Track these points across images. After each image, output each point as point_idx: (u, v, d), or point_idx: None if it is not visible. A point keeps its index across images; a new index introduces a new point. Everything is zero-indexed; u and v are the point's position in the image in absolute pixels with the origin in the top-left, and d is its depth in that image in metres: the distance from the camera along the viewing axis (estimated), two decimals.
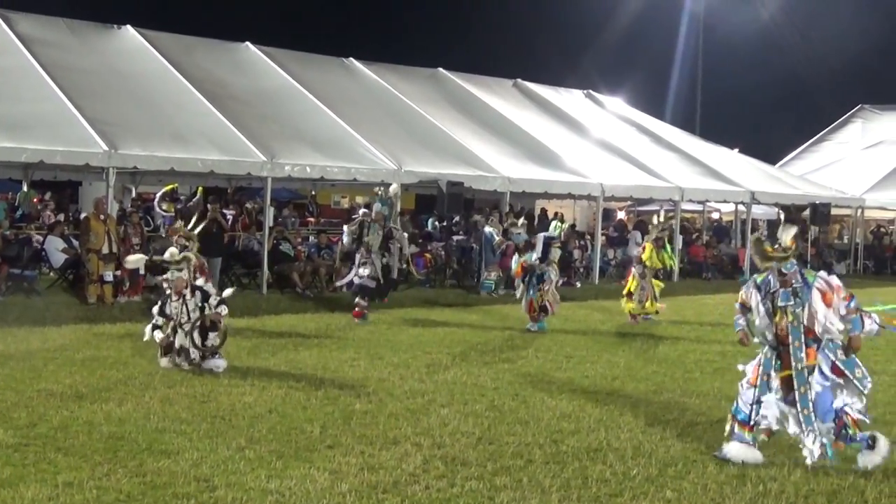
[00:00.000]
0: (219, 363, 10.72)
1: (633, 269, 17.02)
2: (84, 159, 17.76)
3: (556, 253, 15.48)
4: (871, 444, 7.47)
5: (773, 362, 7.65)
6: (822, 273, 7.77)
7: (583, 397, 9.92)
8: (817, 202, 28.65)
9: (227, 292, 11.52)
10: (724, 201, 30.43)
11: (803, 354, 7.50)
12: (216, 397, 9.31)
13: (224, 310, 11.04)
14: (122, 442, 7.58)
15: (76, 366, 10.72)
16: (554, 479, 7.03)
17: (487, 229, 21.16)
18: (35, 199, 26.12)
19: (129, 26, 24.43)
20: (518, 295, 15.65)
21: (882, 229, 36.31)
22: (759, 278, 7.83)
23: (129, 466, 6.95)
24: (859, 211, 33.10)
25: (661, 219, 17.96)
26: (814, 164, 37.14)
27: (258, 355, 11.84)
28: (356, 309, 15.59)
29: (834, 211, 30.91)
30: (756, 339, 7.86)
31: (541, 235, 15.66)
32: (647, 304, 16.68)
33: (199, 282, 11.33)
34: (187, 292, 10.93)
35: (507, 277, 19.89)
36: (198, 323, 10.83)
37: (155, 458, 7.16)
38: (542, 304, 15.22)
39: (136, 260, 13.04)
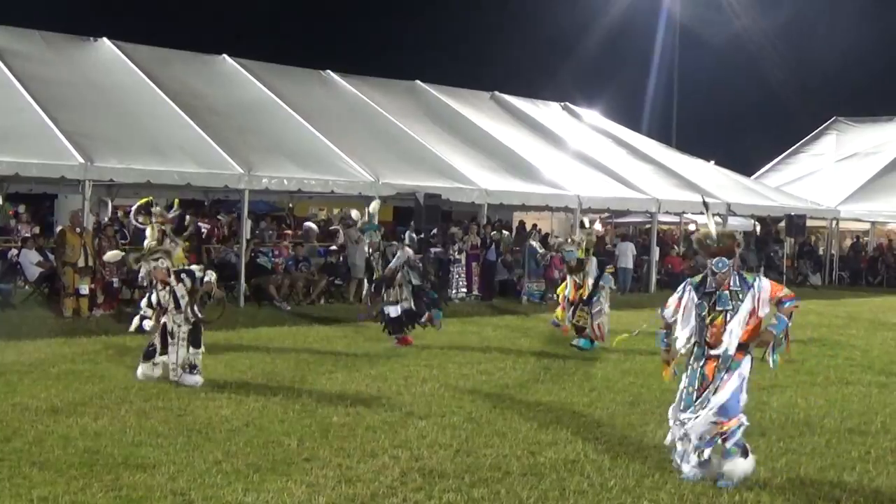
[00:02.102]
0: (197, 379, 10.66)
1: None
2: (60, 172, 17.66)
3: (608, 279, 14.87)
4: (746, 453, 7.33)
5: (698, 374, 7.43)
6: (762, 276, 7.64)
7: (560, 409, 9.95)
8: (792, 214, 28.87)
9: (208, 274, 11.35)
10: (701, 213, 30.54)
11: (731, 355, 7.32)
12: (193, 411, 9.28)
13: (211, 276, 11.11)
14: (97, 456, 7.54)
15: (51, 380, 10.65)
16: (531, 490, 7.04)
17: (532, 243, 21.48)
18: (10, 212, 25.95)
19: (105, 39, 24.37)
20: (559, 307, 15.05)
21: (860, 240, 36.61)
22: (695, 280, 7.62)
23: (104, 481, 6.92)
24: (834, 222, 33.37)
25: (588, 224, 17.52)
26: (789, 175, 37.46)
27: (235, 368, 11.80)
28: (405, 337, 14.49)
29: (809, 222, 31.14)
30: (682, 350, 7.63)
31: (594, 259, 14.91)
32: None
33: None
34: (172, 280, 10.86)
35: (550, 287, 20.65)
36: (191, 322, 10.84)
37: (131, 472, 7.12)
38: (580, 325, 14.58)
39: (113, 255, 12.54)
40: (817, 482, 7.40)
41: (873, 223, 35.93)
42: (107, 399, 9.70)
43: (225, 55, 26.30)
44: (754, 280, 7.44)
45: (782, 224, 29.58)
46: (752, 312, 7.35)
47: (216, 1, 55.94)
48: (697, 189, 28.51)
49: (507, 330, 16.98)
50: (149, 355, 10.89)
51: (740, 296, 7.34)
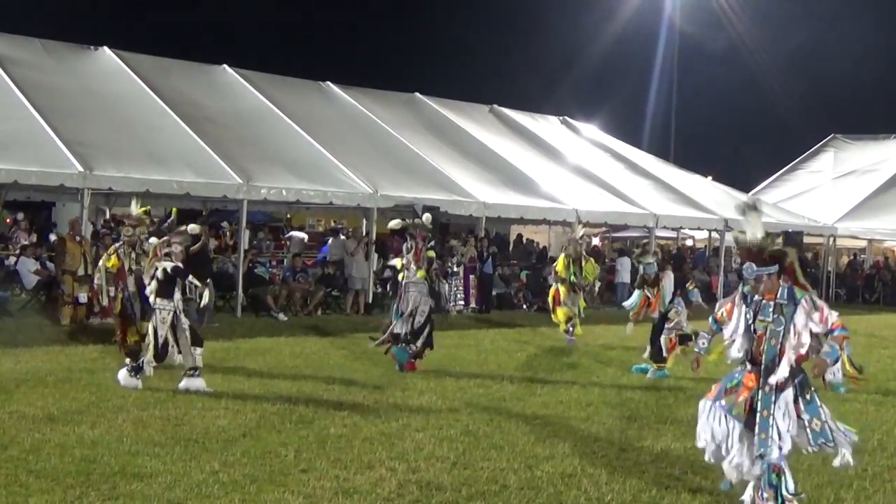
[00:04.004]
0: (202, 382, 10.84)
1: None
2: (59, 180, 17.67)
3: (694, 294, 14.11)
4: None
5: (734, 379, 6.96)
6: (813, 293, 6.95)
7: (557, 423, 9.94)
8: (790, 230, 28.88)
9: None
10: (698, 228, 30.62)
11: (773, 377, 6.80)
12: (190, 420, 9.26)
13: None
14: (94, 465, 7.52)
15: (48, 388, 10.63)
16: None
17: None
18: (8, 220, 25.93)
19: (105, 48, 24.42)
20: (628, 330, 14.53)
21: (857, 258, 36.64)
22: (746, 288, 6.99)
23: (101, 489, 6.90)
24: (831, 239, 33.41)
25: (574, 233, 17.48)
26: (787, 192, 37.51)
27: (232, 378, 11.78)
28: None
29: (806, 239, 31.16)
30: (730, 360, 7.07)
31: (671, 274, 14.27)
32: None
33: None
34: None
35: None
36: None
37: (128, 482, 7.11)
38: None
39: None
40: (815, 499, 7.39)
41: (870, 241, 35.98)
42: (104, 408, 9.69)
43: (225, 65, 26.34)
44: (802, 296, 6.80)
45: (779, 240, 29.57)
46: (803, 329, 6.76)
47: (217, 11, 56.10)
48: (695, 204, 28.57)
49: (505, 343, 16.98)
50: (163, 355, 10.93)
51: (784, 310, 6.78)
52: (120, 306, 12.47)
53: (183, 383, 10.81)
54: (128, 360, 11.26)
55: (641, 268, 14.34)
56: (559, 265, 17.21)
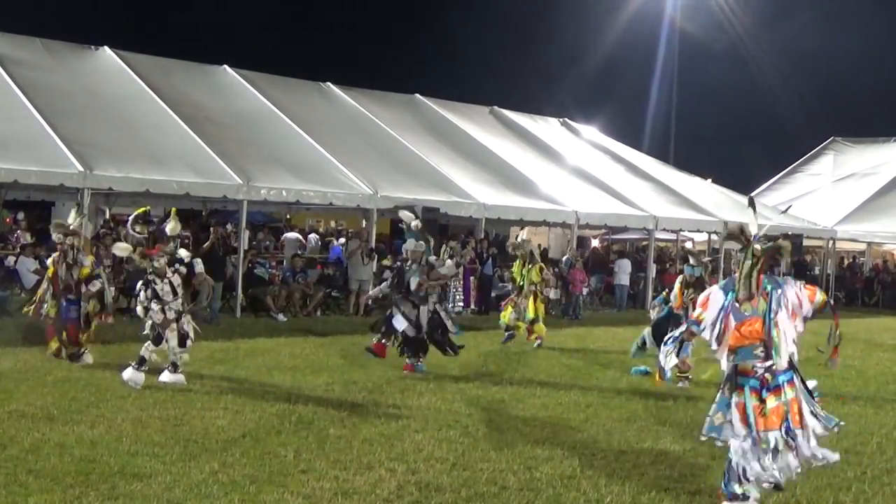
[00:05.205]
0: (181, 378, 11.18)
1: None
2: (59, 179, 17.68)
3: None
4: None
5: None
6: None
7: (556, 424, 9.94)
8: (789, 233, 28.88)
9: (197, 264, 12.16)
10: (698, 230, 30.63)
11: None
12: (189, 420, 9.27)
13: (199, 264, 12.27)
14: (93, 465, 7.52)
15: (48, 387, 10.64)
16: None
17: (568, 257, 22.94)
18: (7, 220, 25.91)
19: (106, 47, 24.44)
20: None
21: (856, 261, 36.67)
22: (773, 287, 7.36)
23: (101, 489, 6.90)
24: (830, 242, 33.43)
25: (521, 236, 17.29)
26: (786, 195, 37.52)
27: (232, 379, 11.80)
28: (406, 363, 13.20)
29: (806, 242, 31.17)
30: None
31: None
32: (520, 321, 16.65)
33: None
34: (169, 273, 11.25)
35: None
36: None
37: (127, 482, 7.11)
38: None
39: (122, 248, 12.02)
40: (814, 502, 7.39)
41: (869, 244, 36.01)
42: (103, 408, 9.69)
43: (225, 66, 26.36)
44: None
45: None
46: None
47: (217, 12, 56.14)
48: (694, 207, 28.58)
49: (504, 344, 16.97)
50: (158, 340, 11.18)
51: None
52: (55, 311, 12.61)
53: (164, 377, 11.17)
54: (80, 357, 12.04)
55: (687, 266, 14.17)
56: (515, 268, 17.17)
